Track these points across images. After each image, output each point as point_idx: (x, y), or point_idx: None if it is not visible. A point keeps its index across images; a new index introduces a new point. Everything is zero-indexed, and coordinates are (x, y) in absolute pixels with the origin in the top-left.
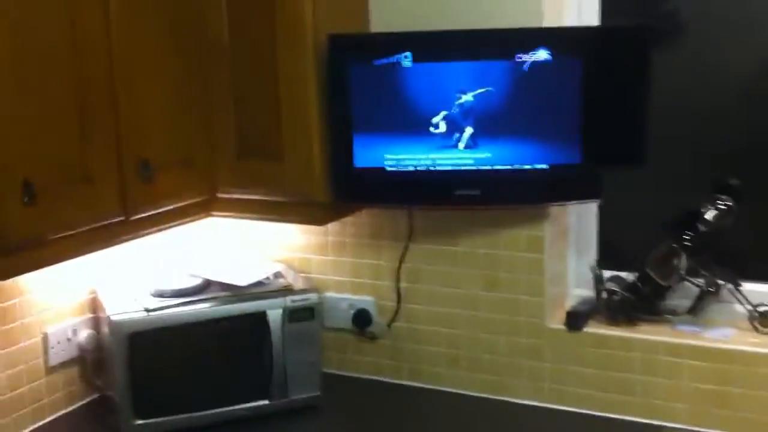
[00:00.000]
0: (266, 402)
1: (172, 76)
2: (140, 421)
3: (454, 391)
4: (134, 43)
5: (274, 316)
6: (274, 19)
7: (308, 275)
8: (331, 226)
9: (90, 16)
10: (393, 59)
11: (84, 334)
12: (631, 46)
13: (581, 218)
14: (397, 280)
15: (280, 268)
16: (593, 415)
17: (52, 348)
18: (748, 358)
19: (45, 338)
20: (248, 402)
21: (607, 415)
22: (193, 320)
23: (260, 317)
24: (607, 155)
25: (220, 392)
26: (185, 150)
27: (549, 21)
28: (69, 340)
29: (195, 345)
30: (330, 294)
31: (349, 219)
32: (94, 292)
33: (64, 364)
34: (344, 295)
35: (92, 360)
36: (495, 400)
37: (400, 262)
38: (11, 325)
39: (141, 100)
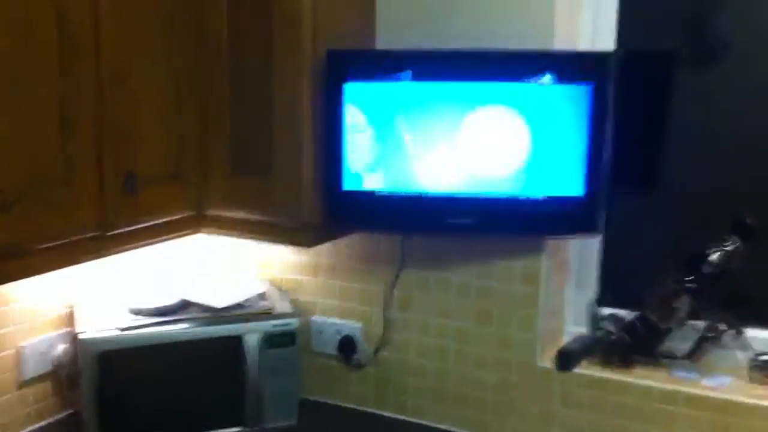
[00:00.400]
0: (239, 429)
1: (167, 88)
2: None
3: (439, 426)
4: (127, 53)
5: (252, 340)
6: (272, 32)
7: (297, 297)
8: (323, 247)
9: (77, 19)
10: (393, 77)
11: (60, 348)
12: (645, 71)
13: (583, 251)
14: (385, 307)
15: (265, 288)
16: None
17: (26, 362)
18: (745, 409)
19: (18, 352)
20: (221, 428)
21: None
22: (167, 341)
23: (237, 341)
24: (616, 184)
25: (192, 416)
26: (175, 163)
27: (561, 43)
28: (43, 354)
29: (168, 366)
30: (317, 318)
31: (341, 241)
32: (71, 306)
33: (37, 379)
34: (332, 319)
35: (68, 375)
36: None
37: (391, 289)
38: None
39: (130, 110)
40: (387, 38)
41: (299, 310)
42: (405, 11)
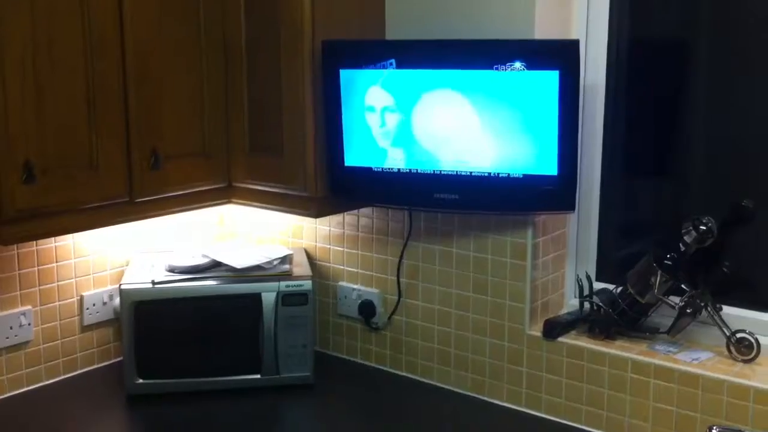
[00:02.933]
0: (257, 376)
1: (194, 77)
2: (141, 381)
3: (442, 386)
4: (155, 43)
5: (268, 298)
6: (279, 34)
7: (327, 264)
8: (348, 219)
9: (103, 11)
10: (379, 65)
11: (118, 299)
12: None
13: (581, 228)
14: (398, 275)
15: (290, 253)
16: (564, 425)
17: (87, 309)
18: (711, 384)
19: (81, 300)
20: (241, 375)
21: (577, 425)
22: (194, 295)
23: (255, 298)
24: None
25: (215, 363)
26: (201, 143)
27: (545, 33)
28: (105, 303)
29: (194, 318)
30: (343, 283)
31: (361, 213)
32: (128, 262)
33: (99, 324)
34: (355, 285)
35: None
36: (478, 400)
37: (400, 259)
38: (47, 286)
39: (159, 96)
40: (394, 33)
41: (328, 276)
42: (410, 8)
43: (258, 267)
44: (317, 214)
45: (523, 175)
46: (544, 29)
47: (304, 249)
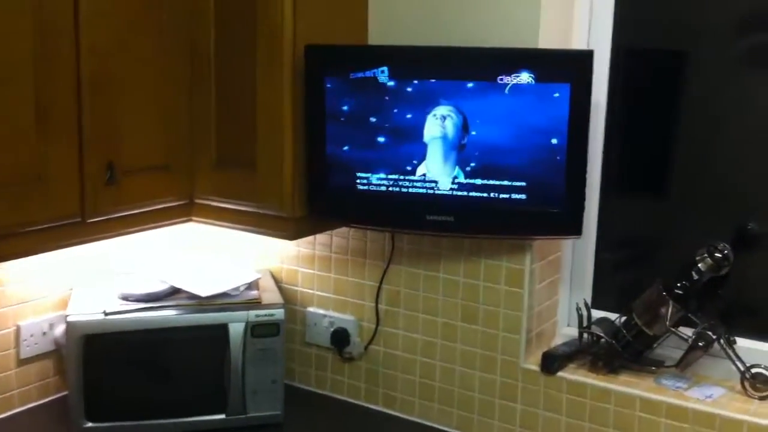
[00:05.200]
0: (222, 416)
1: (155, 84)
2: (90, 424)
3: (424, 422)
4: (112, 44)
5: (236, 329)
6: (255, 27)
7: (295, 288)
8: (320, 239)
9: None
10: (369, 73)
11: (60, 329)
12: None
13: (578, 252)
14: (377, 301)
15: (257, 278)
16: None
17: (24, 341)
18: (730, 425)
19: (17, 331)
20: (204, 415)
21: None
22: (151, 327)
23: (221, 329)
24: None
25: (175, 402)
26: (163, 155)
27: (549, 42)
28: (44, 334)
29: (152, 352)
30: (312, 309)
31: (335, 233)
32: (72, 289)
33: (38, 357)
34: (326, 311)
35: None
36: None
37: (380, 283)
38: None
39: (116, 103)
40: (376, 40)
41: (295, 301)
42: (396, 12)
43: (224, 294)
44: (294, 236)
45: (527, 196)
46: (547, 40)
47: (269, 271)
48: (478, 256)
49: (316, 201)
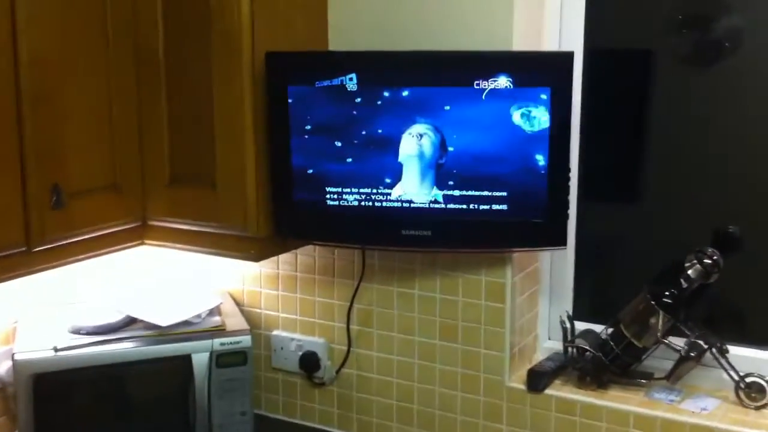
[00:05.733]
0: None
1: (99, 96)
2: None
3: None
4: (55, 52)
5: (200, 360)
6: (209, 34)
7: (258, 310)
8: (284, 258)
9: None
10: (336, 81)
11: (5, 366)
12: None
13: (556, 261)
14: (348, 322)
15: (219, 302)
16: None
17: None
18: None
19: None
20: None
21: None
22: (107, 362)
23: (183, 361)
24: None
25: None
26: (111, 174)
27: (521, 45)
28: None
29: (109, 389)
30: (278, 332)
31: (301, 251)
32: (17, 322)
33: None
34: (293, 334)
35: (14, 394)
36: None
37: (351, 303)
38: None
39: (61, 118)
40: (337, 46)
41: (259, 324)
42: (358, 16)
43: (185, 322)
44: (259, 257)
45: (508, 206)
46: (521, 43)
47: (230, 294)
48: (455, 271)
49: (283, 219)
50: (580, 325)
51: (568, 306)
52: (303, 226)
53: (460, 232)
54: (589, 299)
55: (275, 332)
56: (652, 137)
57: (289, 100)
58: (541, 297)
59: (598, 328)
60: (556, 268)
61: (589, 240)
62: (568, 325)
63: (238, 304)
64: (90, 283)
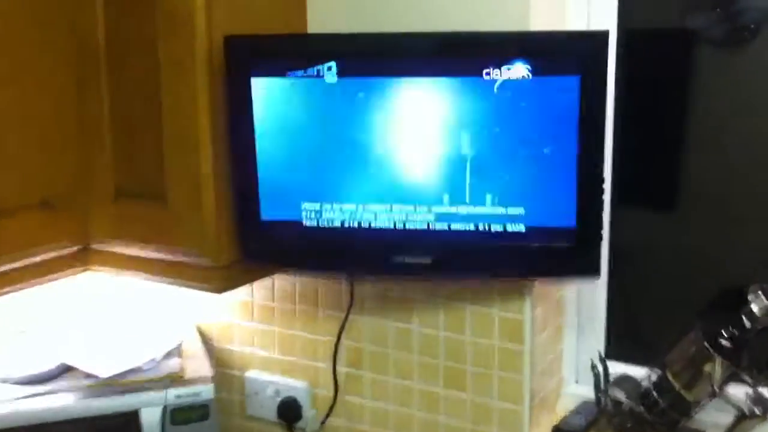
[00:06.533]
0: None
1: (26, 93)
2: None
3: None
4: None
5: (150, 416)
6: (154, 16)
7: (229, 347)
8: (258, 283)
9: None
10: (311, 71)
11: None
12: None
13: (584, 287)
14: (334, 362)
15: (180, 342)
16: None
17: None
18: None
19: None
20: None
21: None
22: (37, 420)
23: (130, 418)
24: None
25: None
26: (44, 188)
27: (541, 25)
28: None
29: None
30: (253, 374)
31: (277, 276)
32: None
33: None
34: (271, 376)
35: None
36: None
37: (338, 339)
38: None
39: None
40: (318, 27)
41: (231, 363)
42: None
43: (133, 370)
44: (221, 288)
45: (527, 227)
46: (540, 21)
47: (197, 328)
48: (462, 302)
49: (250, 241)
50: (616, 367)
51: (599, 342)
52: (274, 250)
53: (466, 257)
54: (625, 333)
55: (250, 374)
56: (697, 133)
57: (254, 95)
58: (566, 332)
59: (636, 371)
60: (585, 295)
61: (625, 261)
62: (600, 369)
63: (206, 339)
64: (22, 319)
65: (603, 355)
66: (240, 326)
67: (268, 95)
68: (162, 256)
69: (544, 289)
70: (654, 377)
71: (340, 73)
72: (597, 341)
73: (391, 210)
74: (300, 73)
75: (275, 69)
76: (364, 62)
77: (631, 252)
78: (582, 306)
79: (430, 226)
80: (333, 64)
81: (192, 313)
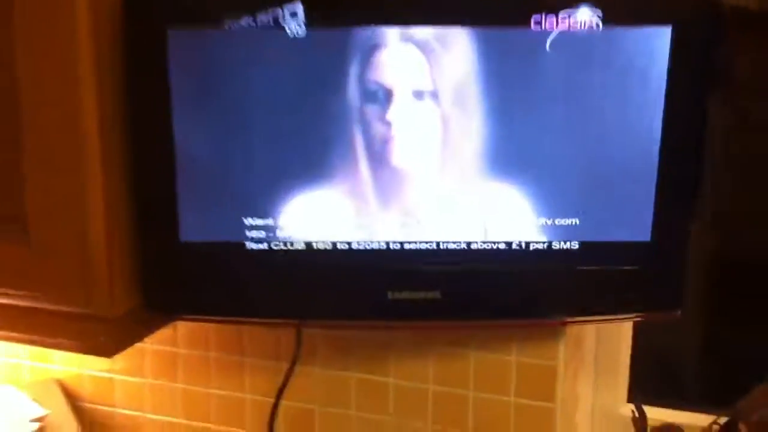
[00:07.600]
0: None
1: None
2: None
3: None
4: None
5: None
6: None
7: (108, 408)
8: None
9: None
10: (266, 18)
11: None
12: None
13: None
14: (270, 430)
15: (42, 414)
16: None
17: None
18: None
19: None
20: None
21: None
22: None
23: None
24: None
25: None
26: None
27: None
28: None
29: None
30: None
31: None
32: None
33: None
34: None
35: None
36: None
37: (277, 399)
38: None
39: None
40: None
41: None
42: None
43: None
44: (115, 349)
45: (581, 243)
46: None
47: (57, 381)
48: (465, 347)
49: (158, 279)
50: (652, 413)
51: (622, 387)
52: (199, 291)
53: (492, 291)
54: (652, 376)
55: None
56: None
57: (172, 57)
58: (581, 377)
59: (674, 416)
60: (605, 331)
61: None
62: (638, 416)
63: (75, 400)
64: None
65: (641, 406)
66: (125, 382)
67: (194, 56)
68: (23, 304)
69: (574, 328)
70: (716, 428)
71: (310, 23)
72: (620, 386)
73: (382, 220)
74: (246, 21)
75: (205, 15)
76: (346, 5)
77: None
78: (601, 345)
79: (441, 245)
80: (298, 7)
81: (55, 364)
